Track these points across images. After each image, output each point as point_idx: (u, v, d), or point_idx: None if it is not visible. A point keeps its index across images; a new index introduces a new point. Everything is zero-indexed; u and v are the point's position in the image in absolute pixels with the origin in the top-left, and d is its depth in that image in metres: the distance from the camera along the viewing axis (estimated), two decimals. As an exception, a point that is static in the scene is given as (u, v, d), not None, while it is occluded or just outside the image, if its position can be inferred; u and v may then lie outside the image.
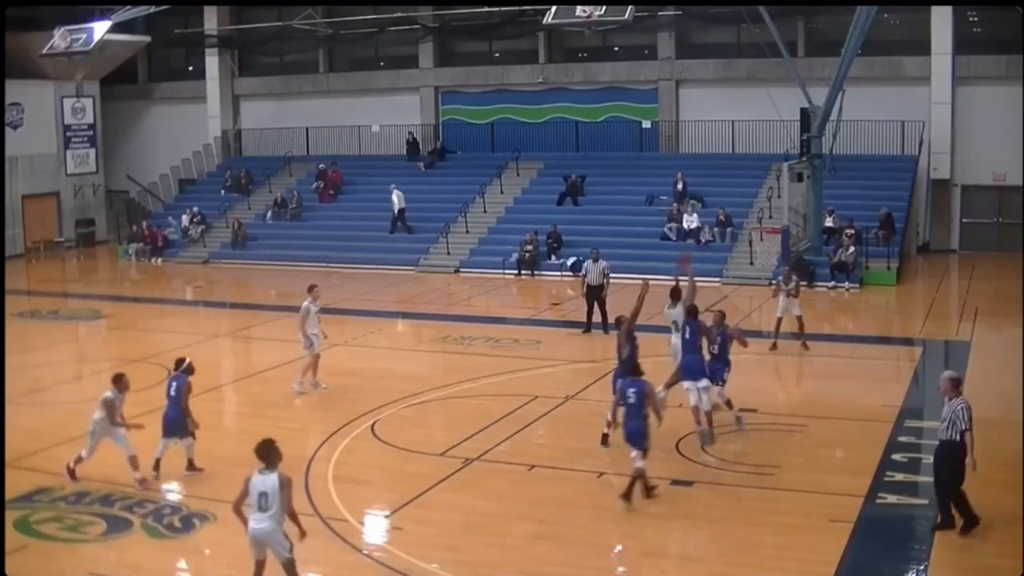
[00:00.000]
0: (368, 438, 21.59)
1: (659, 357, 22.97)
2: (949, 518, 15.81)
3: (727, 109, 48.09)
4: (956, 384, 15.81)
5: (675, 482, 18.55)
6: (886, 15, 45.11)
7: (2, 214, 47.83)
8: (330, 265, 44.82)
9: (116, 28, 44.74)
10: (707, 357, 21.14)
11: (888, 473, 18.73)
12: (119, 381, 19.11)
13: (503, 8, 49.17)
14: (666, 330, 23.97)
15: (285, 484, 13.65)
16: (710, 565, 15.47)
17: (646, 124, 51.08)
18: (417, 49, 55.07)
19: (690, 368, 20.96)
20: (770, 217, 40.50)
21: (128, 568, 15.52)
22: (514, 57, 54.44)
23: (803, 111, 34.99)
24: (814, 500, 17.63)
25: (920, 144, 44.79)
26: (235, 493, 13.80)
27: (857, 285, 38.64)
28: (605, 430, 20.46)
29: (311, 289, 26.06)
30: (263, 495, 13.60)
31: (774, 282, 30.03)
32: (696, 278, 39.00)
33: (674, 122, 50.61)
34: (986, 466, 16.21)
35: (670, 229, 43.46)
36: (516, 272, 42.96)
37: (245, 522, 13.77)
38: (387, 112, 55.30)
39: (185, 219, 51.88)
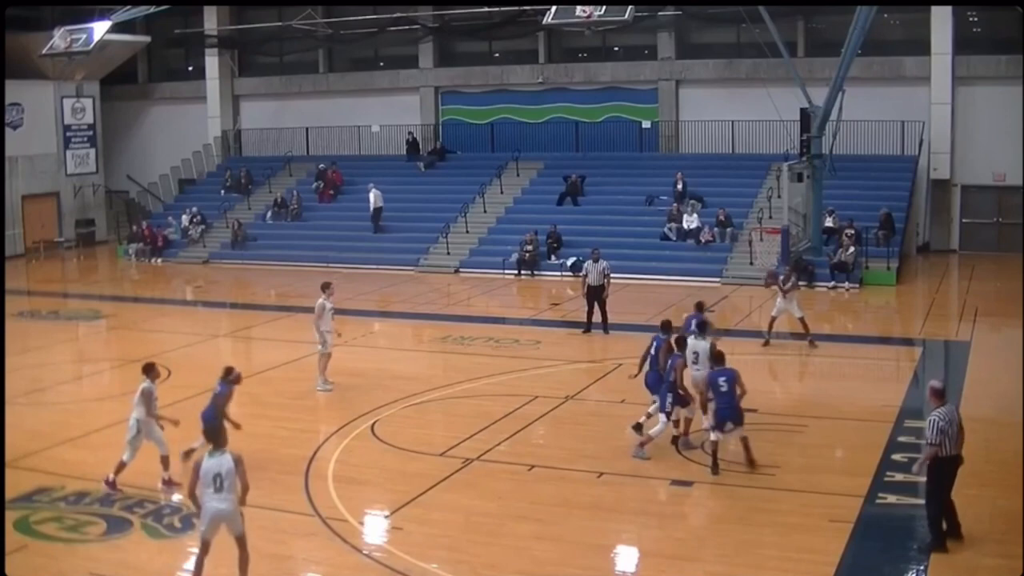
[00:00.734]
0: (368, 438, 21.60)
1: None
2: (953, 527, 15.66)
3: (727, 109, 48.09)
4: (935, 394, 15.62)
5: (675, 482, 18.56)
6: (886, 15, 45.14)
7: (2, 214, 47.81)
8: (330, 265, 44.79)
9: (116, 28, 44.72)
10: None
11: (888, 473, 18.74)
12: (151, 370, 19.01)
13: (503, 8, 49.17)
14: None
15: (238, 462, 14.16)
16: (710, 565, 15.47)
17: (646, 124, 51.07)
18: (417, 49, 55.08)
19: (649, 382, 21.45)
20: (770, 217, 40.53)
21: (128, 568, 15.52)
22: (514, 57, 54.44)
23: (803, 111, 35.01)
24: (814, 500, 17.63)
25: (920, 144, 44.78)
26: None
27: (857, 285, 38.63)
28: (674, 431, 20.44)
29: (326, 287, 26.10)
30: (217, 476, 14.03)
31: (776, 274, 29.95)
32: (696, 278, 39.47)
33: (674, 122, 50.60)
34: (986, 466, 16.24)
35: (670, 229, 43.45)
36: (516, 272, 42.95)
37: (199, 506, 14.25)
38: (387, 112, 55.31)
39: (185, 219, 51.87)
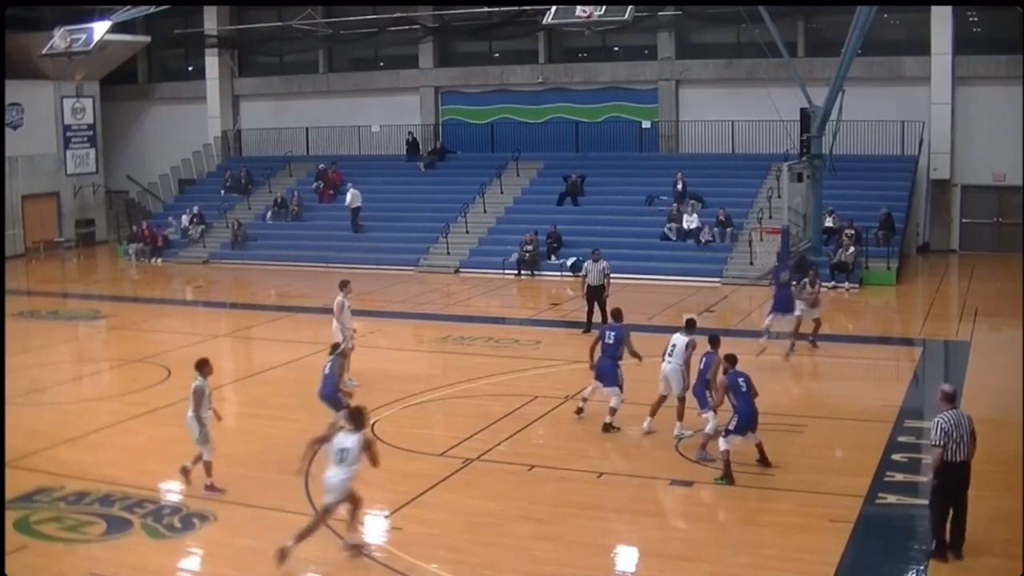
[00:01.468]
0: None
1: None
2: (956, 540, 15.55)
3: (727, 109, 48.10)
4: (945, 398, 15.49)
5: (675, 482, 18.56)
6: (886, 15, 45.13)
7: (2, 214, 47.78)
8: (330, 265, 44.80)
9: (116, 28, 44.67)
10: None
11: (888, 473, 18.74)
12: (204, 367, 18.78)
13: (503, 8, 49.15)
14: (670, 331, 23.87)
15: (368, 444, 15.76)
16: (710, 565, 15.47)
17: (646, 124, 51.08)
18: (417, 49, 55.09)
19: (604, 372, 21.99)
20: (770, 217, 40.52)
21: (128, 568, 15.52)
22: (514, 57, 54.46)
23: (803, 111, 34.98)
24: (814, 500, 17.63)
25: (920, 144, 44.80)
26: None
27: (857, 285, 38.65)
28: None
29: (344, 284, 26.38)
30: (343, 451, 15.64)
31: (795, 284, 29.81)
32: (696, 278, 39.46)
33: (674, 122, 50.61)
34: (986, 466, 16.22)
35: (670, 229, 43.47)
36: (516, 272, 42.95)
37: (307, 460, 16.31)
38: (387, 112, 55.33)
39: (185, 219, 51.88)
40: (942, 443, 14.96)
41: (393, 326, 34.44)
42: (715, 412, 19.63)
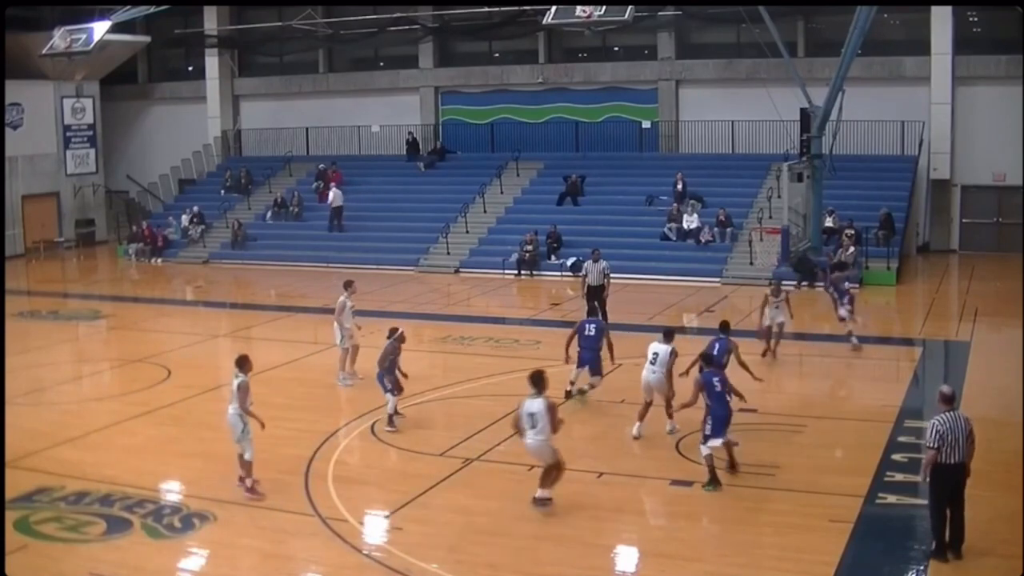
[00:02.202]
0: (368, 438, 21.61)
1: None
2: (955, 540, 15.52)
3: (727, 109, 48.10)
4: (943, 399, 15.44)
5: (675, 482, 18.56)
6: (886, 15, 45.15)
7: (2, 214, 47.75)
8: (330, 265, 44.82)
9: (116, 28, 44.65)
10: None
11: (888, 473, 18.74)
12: (245, 363, 18.65)
13: (503, 8, 49.15)
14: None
15: (551, 408, 17.20)
16: (710, 565, 15.47)
17: (646, 124, 51.09)
18: (417, 49, 55.10)
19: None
20: (770, 217, 40.53)
21: (128, 568, 15.51)
22: (514, 57, 54.46)
23: (803, 111, 35.02)
24: (814, 500, 17.63)
25: (920, 144, 44.80)
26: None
27: (857, 285, 38.59)
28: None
29: (348, 285, 26.65)
30: (531, 415, 17.15)
31: (772, 282, 29.75)
32: (696, 278, 39.47)
33: (674, 122, 50.62)
34: (985, 466, 16.22)
35: (670, 229, 43.47)
36: (516, 272, 42.95)
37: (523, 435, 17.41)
38: (387, 112, 55.34)
39: (185, 219, 51.88)
40: (936, 446, 14.94)
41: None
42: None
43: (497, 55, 55.44)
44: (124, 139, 61.44)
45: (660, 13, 47.21)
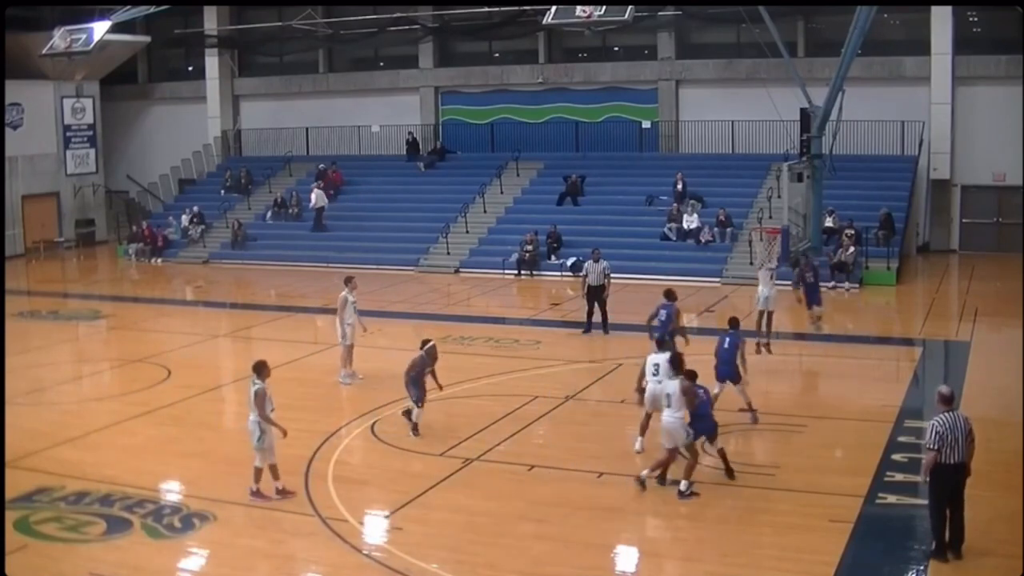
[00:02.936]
0: (368, 438, 21.60)
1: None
2: (955, 540, 15.48)
3: (727, 109, 48.07)
4: (942, 400, 15.41)
5: (675, 482, 18.54)
6: (886, 15, 45.13)
7: (2, 214, 47.68)
8: (330, 265, 44.82)
9: (116, 28, 44.59)
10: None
11: (888, 473, 18.74)
12: (263, 369, 18.52)
13: (503, 8, 49.15)
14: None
15: (686, 391, 17.79)
16: (710, 565, 15.48)
17: (646, 124, 51.09)
18: (417, 49, 55.10)
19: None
20: (770, 217, 40.47)
21: (128, 568, 15.51)
22: (514, 57, 54.46)
23: (803, 111, 35.00)
24: (814, 500, 17.63)
25: (920, 144, 44.78)
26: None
27: (857, 285, 38.64)
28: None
29: (349, 280, 26.78)
30: (669, 396, 17.87)
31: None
32: (696, 278, 39.43)
33: (674, 122, 50.61)
34: (985, 467, 16.22)
35: (670, 229, 43.46)
36: (516, 272, 42.94)
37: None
38: (387, 112, 55.33)
39: (185, 219, 51.85)
40: (936, 446, 14.94)
41: (393, 326, 34.40)
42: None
43: (497, 55, 55.44)
44: (124, 139, 61.45)
45: (660, 13, 47.19)
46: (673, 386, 17.88)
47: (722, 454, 18.63)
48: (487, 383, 25.98)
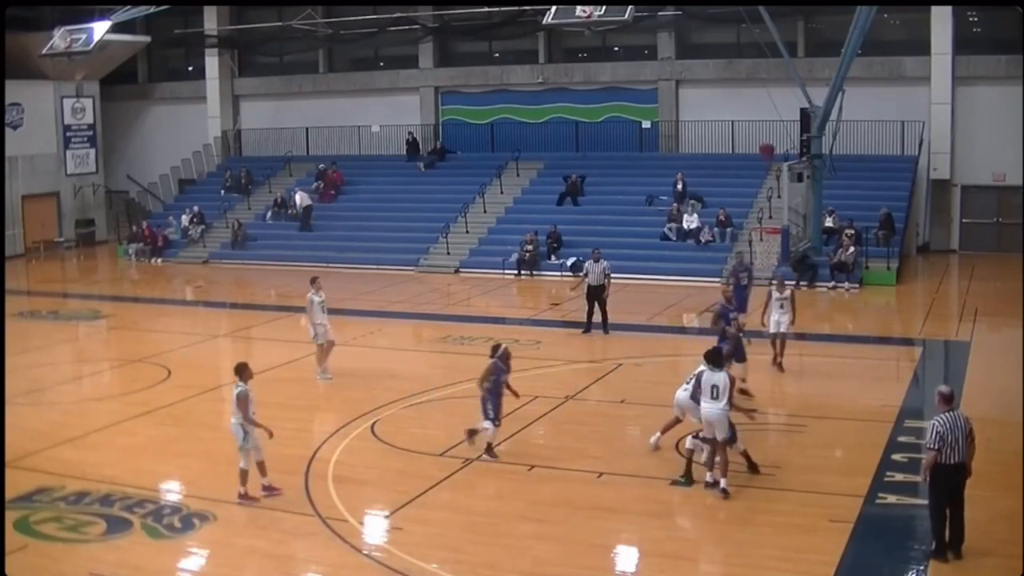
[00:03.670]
0: (368, 438, 21.60)
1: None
2: (955, 540, 15.44)
3: (727, 109, 48.06)
4: (943, 399, 15.36)
5: (675, 482, 18.54)
6: (886, 15, 45.13)
7: (2, 214, 47.59)
8: (330, 265, 44.83)
9: (116, 28, 44.68)
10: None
11: (888, 473, 18.74)
12: (244, 371, 18.26)
13: (503, 8, 49.16)
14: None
15: (732, 382, 18.42)
16: (710, 565, 15.50)
17: (646, 124, 51.09)
18: (417, 49, 55.10)
19: None
20: (770, 217, 40.51)
21: (128, 568, 15.51)
22: (514, 57, 54.46)
23: (803, 111, 35.06)
24: (814, 500, 17.63)
25: (920, 144, 44.77)
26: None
27: (857, 285, 38.63)
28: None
29: (313, 281, 26.68)
30: (714, 387, 17.98)
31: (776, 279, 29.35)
32: (696, 278, 39.40)
33: (674, 122, 50.60)
34: (985, 466, 16.22)
35: (670, 229, 43.45)
36: (516, 272, 42.93)
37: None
38: (387, 112, 55.33)
39: (185, 219, 51.84)
40: (936, 447, 14.93)
41: (393, 326, 34.44)
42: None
43: (497, 55, 55.44)
44: (124, 139, 61.46)
45: (660, 13, 47.20)
46: (722, 378, 18.06)
47: (745, 455, 18.74)
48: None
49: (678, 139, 50.64)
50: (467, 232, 46.54)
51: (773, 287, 27.11)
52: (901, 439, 20.65)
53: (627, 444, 20.74)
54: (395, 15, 52.33)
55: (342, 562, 15.77)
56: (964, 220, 46.48)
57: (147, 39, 56.72)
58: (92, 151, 57.24)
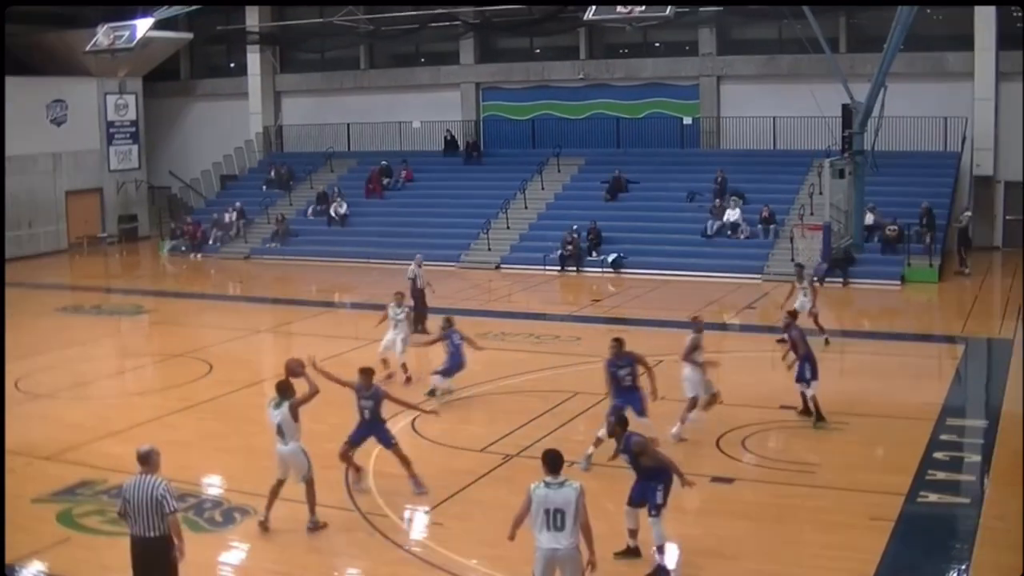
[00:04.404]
0: (409, 434, 21.60)
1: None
2: None
3: (768, 105, 47.81)
4: None
5: (716, 479, 18.52)
6: (928, 11, 44.79)
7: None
8: (370, 261, 44.94)
9: (158, 25, 44.98)
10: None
11: (930, 472, 18.64)
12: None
13: (544, 4, 49.13)
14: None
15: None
16: (750, 562, 15.43)
17: (687, 120, 50.93)
18: (458, 45, 55.14)
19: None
20: (811, 213, 40.37)
21: (170, 561, 15.60)
22: (555, 53, 54.39)
23: (845, 107, 34.89)
24: (855, 498, 17.56)
25: (963, 140, 44.45)
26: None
27: (899, 282, 38.40)
28: None
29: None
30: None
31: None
32: (738, 275, 39.21)
33: (715, 118, 50.43)
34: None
35: (711, 225, 43.31)
36: (559, 268, 42.89)
37: None
38: (428, 108, 55.37)
39: (228, 216, 51.91)
40: None
41: (434, 322, 34.44)
42: None
43: (538, 51, 55.35)
44: (166, 135, 61.78)
45: (701, 9, 47.07)
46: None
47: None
48: (528, 379, 26.00)
49: (719, 135, 50.45)
50: (508, 228, 46.55)
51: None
52: (943, 437, 20.56)
53: (667, 441, 20.68)
54: (436, 11, 52.35)
55: (383, 557, 15.81)
56: (1007, 217, 46.11)
57: (189, 36, 56.98)
58: (135, 147, 57.56)
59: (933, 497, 17.58)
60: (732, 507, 17.71)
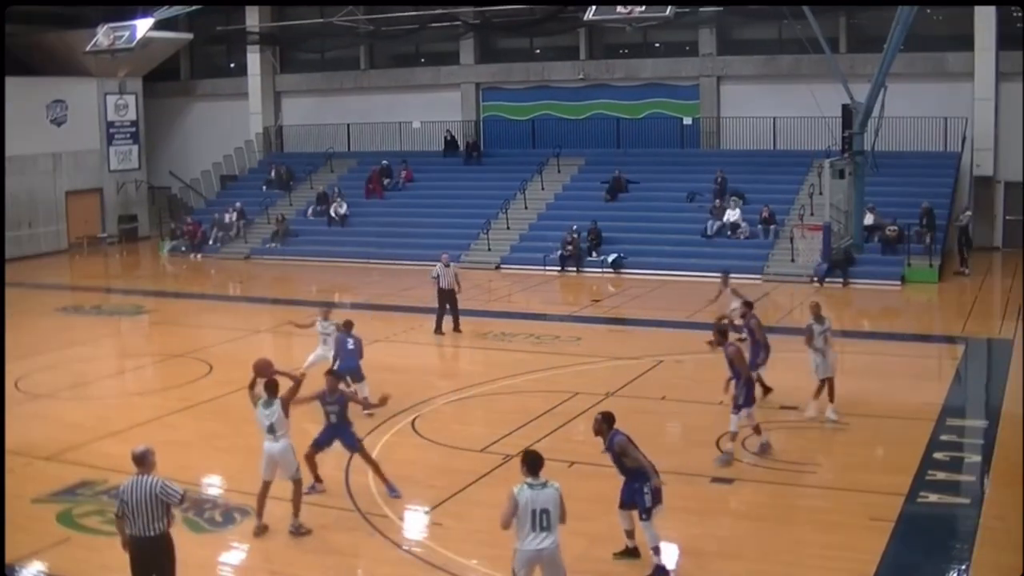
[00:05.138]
0: (409, 434, 21.64)
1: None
2: None
3: (768, 105, 47.80)
4: None
5: (716, 479, 18.53)
6: (928, 11, 44.78)
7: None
8: (370, 261, 44.95)
9: (159, 25, 44.96)
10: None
11: (930, 472, 18.65)
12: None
13: (544, 5, 49.13)
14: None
15: None
16: (750, 563, 15.43)
17: (687, 121, 50.92)
18: (458, 45, 55.14)
19: None
20: (811, 214, 40.37)
21: (170, 561, 15.61)
22: (555, 53, 54.40)
23: (845, 107, 34.82)
24: (855, 498, 17.57)
25: (963, 141, 44.45)
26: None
27: (899, 282, 38.40)
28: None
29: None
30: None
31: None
32: (737, 275, 39.18)
33: (715, 118, 50.42)
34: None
35: (711, 226, 43.33)
36: (559, 268, 42.89)
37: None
38: (428, 108, 55.37)
39: (228, 217, 51.90)
40: None
41: (433, 322, 34.50)
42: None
43: (538, 51, 55.35)
44: (166, 135, 61.78)
45: (701, 9, 47.05)
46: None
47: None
48: (527, 379, 25.99)
49: (719, 135, 50.45)
50: (508, 228, 46.55)
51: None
52: (943, 438, 20.57)
53: (667, 441, 20.73)
54: (436, 11, 52.35)
55: (382, 557, 15.82)
56: (1007, 217, 46.10)
57: (189, 36, 56.99)
58: (135, 147, 57.58)
59: (933, 497, 17.59)
60: (732, 507, 17.73)
